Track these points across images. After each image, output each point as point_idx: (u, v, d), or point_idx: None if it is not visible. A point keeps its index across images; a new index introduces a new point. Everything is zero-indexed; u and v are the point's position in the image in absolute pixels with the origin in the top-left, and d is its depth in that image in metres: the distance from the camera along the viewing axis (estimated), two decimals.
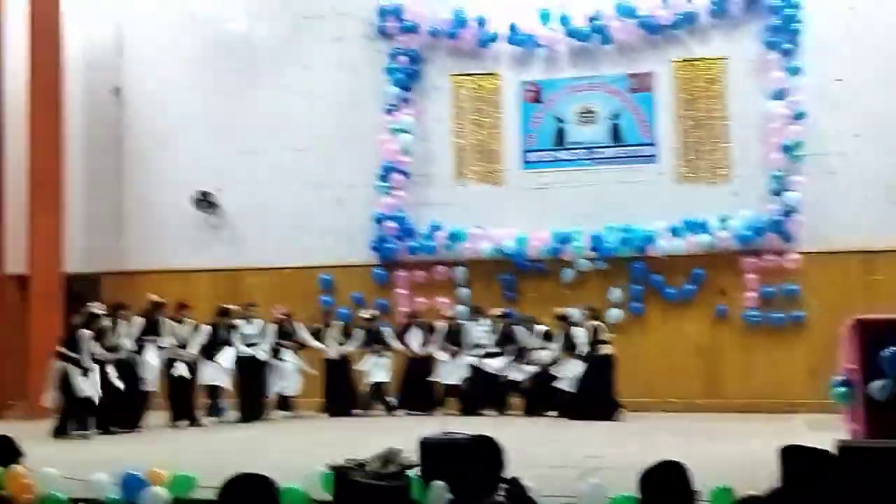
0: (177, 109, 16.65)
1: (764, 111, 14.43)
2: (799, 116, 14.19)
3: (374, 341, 14.57)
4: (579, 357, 13.27)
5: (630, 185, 14.92)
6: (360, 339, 14.59)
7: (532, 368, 13.73)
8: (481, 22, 15.47)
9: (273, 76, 16.36)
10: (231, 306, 14.25)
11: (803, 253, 14.20)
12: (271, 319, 14.41)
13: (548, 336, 13.77)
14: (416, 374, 14.44)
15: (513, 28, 15.32)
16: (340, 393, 14.46)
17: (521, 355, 13.90)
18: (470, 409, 13.98)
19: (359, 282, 15.77)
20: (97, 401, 12.38)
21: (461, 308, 15.01)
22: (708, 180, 14.73)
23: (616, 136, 15.12)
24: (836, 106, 14.22)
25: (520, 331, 13.95)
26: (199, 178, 16.28)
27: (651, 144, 14.97)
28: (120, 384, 12.67)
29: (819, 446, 6.53)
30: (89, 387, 12.37)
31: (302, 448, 10.37)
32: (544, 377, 13.57)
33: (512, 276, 15.18)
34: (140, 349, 13.22)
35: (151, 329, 13.38)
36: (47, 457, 8.63)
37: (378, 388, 14.51)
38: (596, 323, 13.35)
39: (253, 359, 14.02)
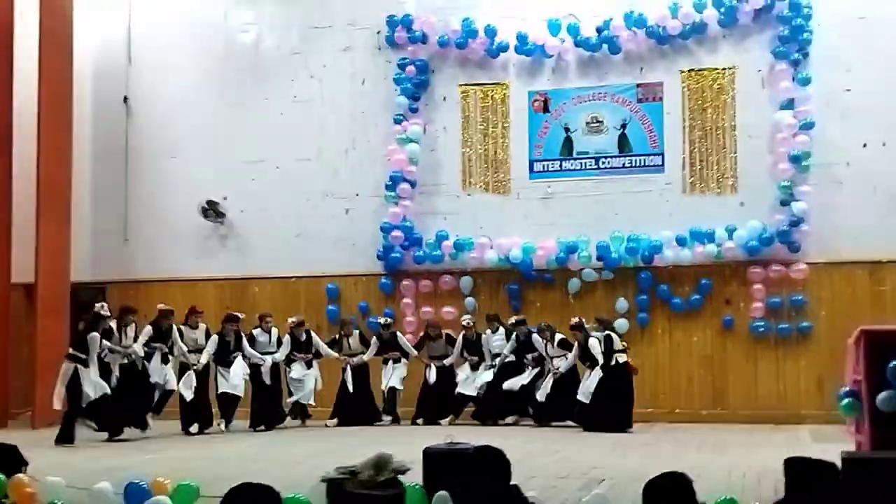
0: (184, 119, 16.70)
1: (772, 121, 14.40)
2: (807, 126, 14.16)
3: (391, 348, 14.58)
4: (595, 367, 13.16)
5: (637, 195, 14.90)
6: (376, 346, 14.62)
7: (550, 378, 13.67)
8: (490, 32, 15.49)
9: (281, 86, 16.39)
10: (238, 314, 14.29)
11: (810, 263, 14.16)
12: (286, 328, 14.49)
13: (564, 345, 13.69)
14: (435, 384, 14.44)
15: (521, 38, 15.33)
16: (356, 402, 14.48)
17: (538, 364, 13.89)
18: (489, 418, 14.02)
19: (365, 291, 15.78)
20: (101, 397, 12.50)
21: (467, 318, 15.00)
22: (715, 190, 14.71)
23: (624, 145, 15.11)
24: (844, 116, 14.19)
25: (537, 340, 13.91)
26: (206, 188, 16.32)
27: (659, 154, 14.95)
28: (105, 387, 12.70)
29: (824, 458, 6.51)
30: (97, 388, 12.48)
31: (307, 458, 10.34)
32: (561, 387, 13.49)
33: (518, 285, 15.17)
34: (149, 356, 13.33)
35: (160, 337, 13.46)
36: (51, 466, 8.64)
37: (392, 393, 14.52)
38: (607, 332, 13.24)
39: (268, 368, 14.16)
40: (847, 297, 13.89)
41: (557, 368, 13.56)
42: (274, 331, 14.46)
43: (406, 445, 8.34)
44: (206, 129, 16.60)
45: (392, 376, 14.48)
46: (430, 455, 7.18)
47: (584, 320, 13.51)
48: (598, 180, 15.12)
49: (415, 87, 15.73)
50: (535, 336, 13.94)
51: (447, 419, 14.15)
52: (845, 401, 8.37)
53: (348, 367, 14.53)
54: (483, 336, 14.44)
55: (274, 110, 16.38)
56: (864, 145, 14.09)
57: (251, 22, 16.74)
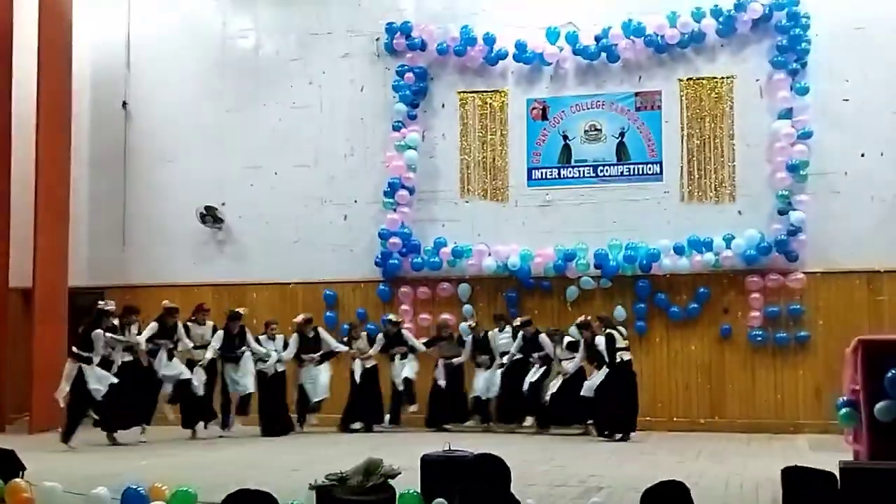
0: (183, 124, 16.71)
1: (770, 130, 14.43)
2: (805, 136, 14.18)
3: (397, 344, 14.63)
4: (602, 366, 13.13)
5: (635, 204, 14.92)
6: (382, 342, 14.67)
7: (558, 379, 13.66)
8: (489, 40, 15.51)
9: (280, 92, 16.41)
10: (240, 310, 14.39)
11: (808, 273, 14.16)
12: (294, 327, 14.60)
13: (573, 347, 13.64)
14: (446, 385, 14.46)
15: (520, 46, 15.35)
16: (365, 404, 14.53)
17: (545, 363, 13.88)
18: (510, 421, 14.09)
19: (363, 298, 15.79)
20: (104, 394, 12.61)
21: (464, 326, 15.03)
22: (713, 199, 14.71)
23: (622, 154, 15.12)
24: (841, 126, 14.21)
25: (544, 339, 13.90)
26: (204, 193, 16.33)
27: (657, 163, 14.97)
28: (112, 378, 12.73)
29: (822, 467, 6.52)
30: (103, 381, 12.54)
31: (305, 464, 10.32)
32: (568, 388, 13.43)
33: (516, 293, 15.17)
34: (153, 352, 13.41)
35: (164, 334, 13.50)
36: (48, 471, 8.62)
37: (409, 383, 14.53)
38: (609, 331, 13.12)
39: (275, 373, 14.26)
40: (845, 307, 13.90)
41: (567, 370, 13.50)
42: (279, 338, 14.53)
43: (405, 453, 8.34)
44: (204, 134, 16.61)
45: (405, 368, 14.52)
46: (428, 462, 7.17)
47: (590, 318, 13.50)
48: (597, 188, 15.13)
49: (413, 94, 15.75)
50: (542, 336, 13.95)
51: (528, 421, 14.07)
52: (843, 410, 8.36)
53: (357, 363, 14.56)
54: (490, 334, 14.44)
55: (272, 116, 16.40)
56: (862, 155, 14.11)
57: (250, 28, 16.76)
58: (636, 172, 15.05)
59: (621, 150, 15.11)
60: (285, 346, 14.51)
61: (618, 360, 12.88)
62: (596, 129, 15.22)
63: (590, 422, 13.38)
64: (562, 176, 15.32)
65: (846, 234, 14.04)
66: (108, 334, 12.88)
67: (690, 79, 14.92)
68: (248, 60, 16.70)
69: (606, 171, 15.14)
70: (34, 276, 14.92)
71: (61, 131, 15.65)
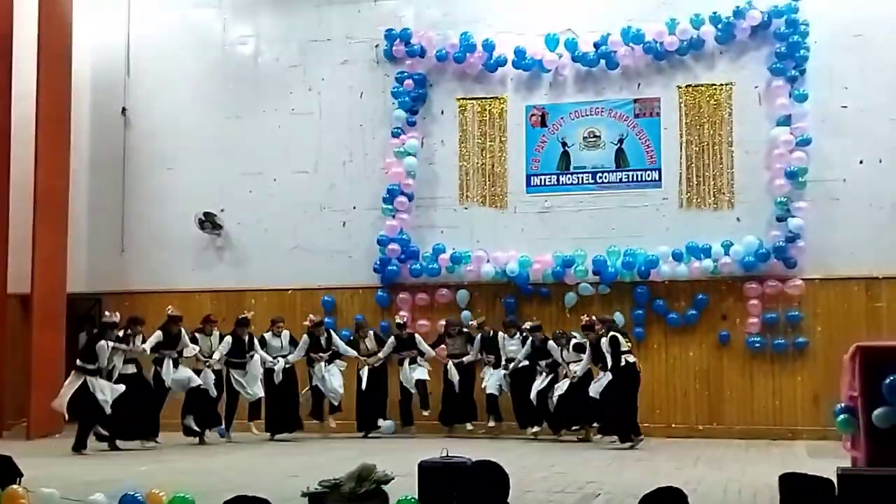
0: (182, 130, 16.73)
1: (769, 137, 14.45)
2: (803, 143, 14.20)
3: (408, 348, 14.64)
4: (606, 368, 13.02)
5: (634, 210, 14.93)
6: (392, 346, 14.69)
7: (565, 382, 13.60)
8: (488, 46, 15.53)
9: (279, 98, 16.43)
10: (248, 314, 14.54)
11: (806, 279, 14.17)
12: (304, 329, 14.66)
13: (579, 349, 13.54)
14: (454, 384, 14.46)
15: (519, 52, 15.37)
16: (372, 405, 14.59)
17: (552, 370, 13.84)
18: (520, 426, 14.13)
19: (362, 304, 15.78)
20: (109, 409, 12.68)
21: (466, 314, 15.10)
22: (712, 206, 14.72)
23: (621, 160, 15.13)
24: (840, 133, 14.23)
25: (552, 346, 13.86)
26: (203, 199, 16.33)
27: (656, 169, 14.97)
28: (120, 387, 12.78)
29: (819, 474, 6.51)
30: (113, 392, 12.62)
31: (303, 470, 10.30)
32: (576, 391, 13.36)
33: (514, 299, 15.18)
34: (159, 361, 13.47)
35: (169, 342, 13.51)
36: (46, 477, 8.62)
37: (423, 386, 14.56)
38: (613, 334, 12.97)
39: (280, 369, 14.32)
40: (843, 313, 13.91)
41: (574, 373, 13.41)
42: (285, 334, 14.62)
43: (404, 459, 8.34)
44: (203, 140, 16.63)
45: (417, 371, 14.54)
46: (426, 468, 7.16)
47: (595, 318, 13.47)
48: (595, 195, 15.13)
49: (413, 101, 15.76)
50: (550, 343, 13.88)
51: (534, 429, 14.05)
52: (841, 417, 8.36)
53: (365, 369, 14.62)
54: (500, 335, 14.43)
55: (272, 123, 16.41)
56: (861, 162, 14.13)
57: (250, 34, 16.79)
58: (635, 179, 15.06)
59: (620, 156, 15.13)
60: (291, 342, 14.57)
61: (622, 362, 12.75)
62: (595, 136, 15.23)
63: (595, 425, 13.31)
64: (560, 182, 15.33)
65: (845, 240, 14.05)
66: (111, 343, 12.90)
67: (689, 86, 14.94)
68: (248, 67, 16.72)
69: (605, 177, 15.16)
70: (33, 282, 14.91)
71: (61, 136, 15.66)
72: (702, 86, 14.91)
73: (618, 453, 12.15)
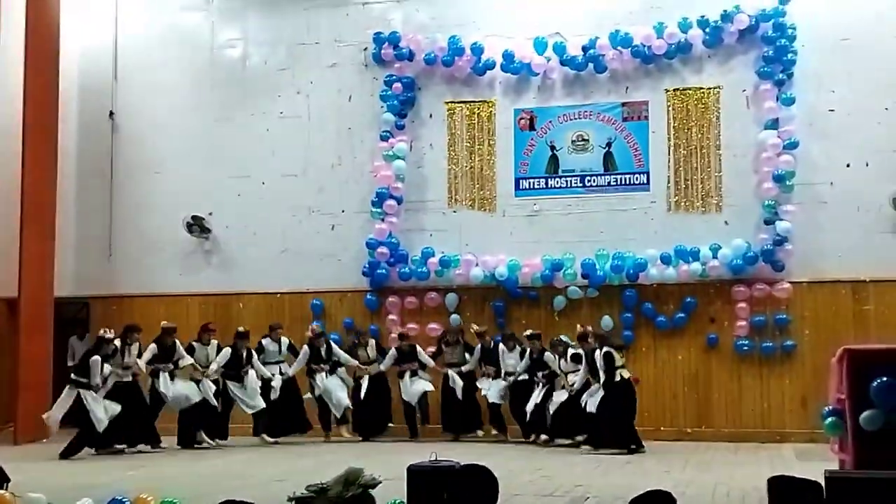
0: (170, 134, 16.69)
1: (756, 141, 14.48)
2: (791, 146, 14.23)
3: (409, 360, 14.61)
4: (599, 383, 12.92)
5: (623, 214, 14.94)
6: (393, 358, 14.67)
7: (562, 393, 13.48)
8: (476, 50, 15.53)
9: (267, 102, 16.40)
10: (241, 329, 14.48)
11: (794, 282, 14.20)
12: (305, 340, 14.66)
13: (577, 359, 13.37)
14: (456, 392, 14.40)
15: (507, 56, 15.38)
16: (373, 411, 14.58)
17: (549, 381, 13.74)
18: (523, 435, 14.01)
19: (350, 307, 15.76)
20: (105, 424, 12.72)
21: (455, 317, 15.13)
22: (700, 209, 14.75)
23: (609, 164, 15.15)
24: (827, 136, 14.28)
25: (549, 357, 13.77)
26: (191, 203, 16.29)
27: (644, 173, 15.00)
28: (116, 407, 12.80)
29: (807, 477, 6.53)
30: (108, 410, 12.57)
31: (291, 475, 10.28)
32: (574, 402, 13.21)
33: (503, 302, 15.17)
34: (155, 373, 13.50)
35: (164, 354, 13.50)
36: (33, 482, 8.59)
37: (423, 401, 14.56)
38: (606, 349, 12.86)
39: (278, 385, 14.31)
40: (831, 316, 13.95)
41: (572, 385, 13.26)
42: (284, 340, 14.63)
43: (393, 463, 8.32)
44: (191, 144, 16.59)
45: (419, 384, 14.49)
46: (415, 472, 7.15)
47: (589, 330, 13.39)
48: (584, 198, 15.15)
49: (401, 104, 15.76)
50: (547, 354, 13.78)
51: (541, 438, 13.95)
52: (829, 420, 8.38)
53: (365, 378, 14.62)
54: (500, 347, 14.32)
55: (260, 126, 16.38)
56: (848, 165, 14.17)
57: (238, 38, 16.76)
58: (623, 182, 15.08)
59: (608, 160, 15.14)
60: (289, 349, 14.59)
61: (617, 377, 12.69)
62: (583, 140, 15.25)
63: (581, 437, 13.13)
64: (549, 186, 15.34)
65: (832, 244, 14.10)
66: (107, 366, 12.98)
67: (677, 89, 14.97)
68: (236, 70, 16.69)
69: (593, 181, 15.17)
70: (20, 286, 14.86)
71: (48, 140, 15.60)
72: (690, 89, 14.94)
73: (606, 457, 12.12)
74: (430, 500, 6.74)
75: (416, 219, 15.72)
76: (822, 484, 6.33)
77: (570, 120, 15.31)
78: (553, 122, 15.37)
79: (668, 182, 14.86)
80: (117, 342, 13.24)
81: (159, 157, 16.71)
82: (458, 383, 14.40)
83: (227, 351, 14.12)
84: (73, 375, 13.01)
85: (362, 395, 14.58)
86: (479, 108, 15.70)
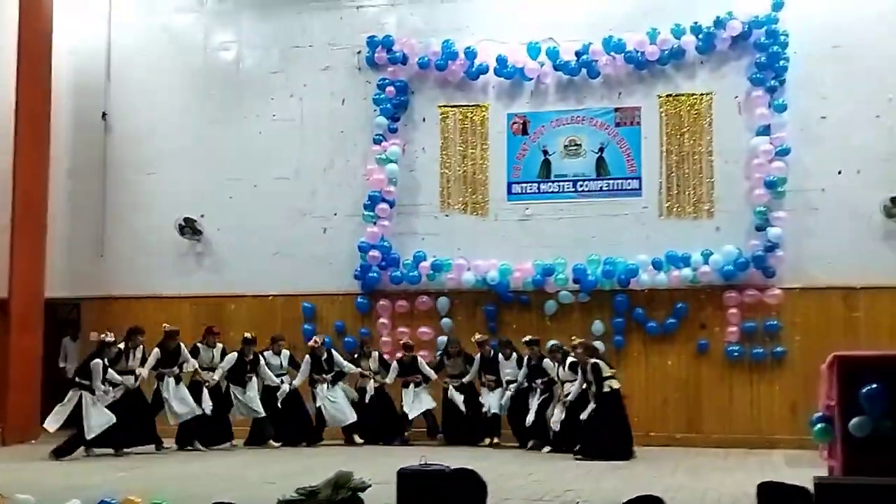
0: (163, 135, 16.67)
1: (748, 147, 14.51)
2: (783, 153, 14.27)
3: (411, 372, 14.58)
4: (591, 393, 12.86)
5: (614, 219, 14.95)
6: (396, 370, 14.64)
7: (561, 408, 13.31)
8: (470, 54, 15.55)
9: (260, 104, 16.40)
10: (249, 335, 14.44)
11: (785, 289, 14.23)
12: (307, 349, 14.66)
13: (574, 367, 13.26)
14: (458, 406, 14.35)
15: (501, 60, 15.40)
16: (378, 420, 14.52)
17: (547, 389, 13.66)
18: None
19: (342, 310, 15.75)
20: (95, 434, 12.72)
21: (442, 339, 15.07)
22: (692, 215, 14.77)
23: (601, 169, 15.16)
24: (819, 143, 14.32)
25: (548, 364, 13.69)
26: (183, 205, 16.27)
27: (636, 178, 15.02)
28: (112, 418, 12.84)
29: (797, 483, 6.55)
30: (100, 417, 12.53)
31: (280, 477, 10.28)
32: (575, 412, 13.03)
33: (495, 307, 15.17)
34: (161, 377, 13.58)
35: (167, 358, 13.57)
36: (22, 483, 8.57)
37: (429, 414, 14.52)
38: (594, 361, 12.84)
39: (283, 394, 14.34)
40: (821, 323, 13.96)
41: (567, 395, 13.18)
42: (285, 353, 14.62)
43: (383, 466, 8.32)
44: (184, 146, 16.57)
45: (422, 400, 14.46)
46: (405, 476, 7.15)
47: (579, 343, 13.28)
48: (576, 203, 15.15)
49: (394, 108, 15.76)
50: (546, 361, 13.70)
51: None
52: (818, 426, 8.41)
53: (370, 384, 14.58)
54: (499, 356, 14.26)
55: (253, 128, 16.37)
56: (839, 172, 14.20)
57: (231, 40, 16.75)
58: (615, 188, 15.10)
59: (601, 165, 15.17)
60: (291, 361, 14.57)
61: (606, 389, 12.68)
62: (576, 145, 15.27)
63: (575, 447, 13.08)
64: (541, 190, 15.35)
65: (823, 250, 14.12)
66: (111, 372, 13.02)
67: (670, 95, 15.00)
68: (230, 72, 16.68)
69: (586, 186, 15.19)
70: (10, 286, 14.84)
71: (40, 140, 15.58)
72: (682, 95, 14.97)
73: (597, 463, 12.10)
74: (420, 503, 6.73)
75: (408, 222, 15.72)
76: (812, 490, 6.35)
77: (563, 125, 15.33)
78: (546, 127, 15.38)
79: (660, 187, 14.88)
80: (121, 345, 13.27)
81: (152, 158, 16.68)
82: (458, 398, 14.34)
83: (233, 356, 14.13)
84: (76, 378, 12.99)
85: (367, 400, 14.53)
86: (472, 113, 15.71)
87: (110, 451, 13.02)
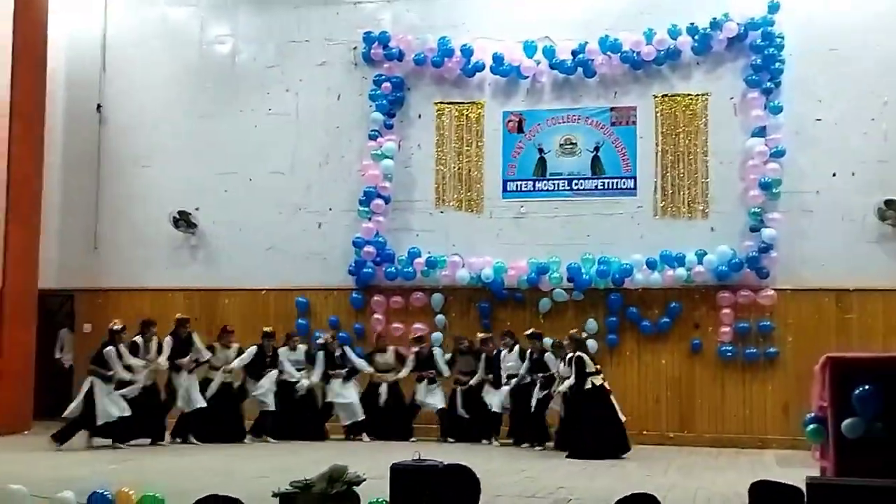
0: (158, 128, 16.66)
1: (743, 148, 14.54)
2: (778, 154, 14.30)
3: (427, 367, 14.56)
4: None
5: (609, 218, 14.98)
6: (413, 363, 14.62)
7: (558, 402, 13.24)
8: (466, 52, 15.55)
9: (256, 99, 16.39)
10: (268, 329, 14.47)
11: (778, 290, 14.27)
12: (320, 344, 14.70)
13: (571, 362, 13.12)
14: (465, 401, 14.34)
15: (497, 58, 15.40)
16: (390, 417, 14.47)
17: (548, 384, 13.53)
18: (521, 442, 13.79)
19: (336, 306, 15.75)
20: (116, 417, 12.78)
21: (436, 335, 15.08)
22: (686, 215, 14.80)
23: (596, 168, 15.18)
24: (814, 145, 14.36)
25: (550, 359, 13.63)
26: (178, 198, 16.27)
27: (631, 178, 15.04)
28: (127, 410, 12.87)
29: (789, 483, 6.56)
30: (113, 406, 12.61)
31: (275, 471, 10.27)
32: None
33: (489, 304, 15.18)
34: (176, 367, 13.59)
35: (181, 347, 13.64)
36: (14, 474, 8.55)
37: (442, 414, 14.48)
38: (578, 354, 12.78)
39: (303, 388, 14.34)
40: (814, 324, 14.01)
41: (557, 390, 13.05)
42: (300, 348, 14.62)
43: (376, 461, 8.32)
44: (179, 139, 16.57)
45: (435, 398, 14.43)
46: (398, 471, 7.17)
47: (575, 334, 13.31)
48: (571, 202, 15.18)
49: (390, 104, 15.76)
50: (547, 355, 13.63)
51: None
52: (811, 427, 8.43)
53: (382, 389, 14.52)
54: (502, 352, 14.15)
55: (248, 123, 16.37)
56: (834, 174, 14.25)
57: (228, 34, 16.74)
58: (610, 187, 15.12)
59: (596, 164, 15.18)
60: (307, 357, 14.53)
61: (588, 385, 12.61)
62: (571, 143, 15.29)
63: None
64: (536, 189, 15.36)
65: (817, 252, 14.17)
66: (135, 360, 13.11)
67: (665, 95, 15.03)
68: (225, 66, 16.67)
69: (581, 184, 15.20)
70: (3, 278, 14.80)
71: (34, 132, 15.54)
72: (678, 96, 15.00)
73: (588, 460, 12.11)
74: (412, 498, 6.74)
75: (403, 218, 15.73)
76: (804, 490, 6.37)
77: (559, 123, 15.35)
78: (541, 125, 15.40)
79: (655, 187, 14.91)
80: (138, 338, 13.27)
81: (147, 150, 16.67)
82: (462, 410, 14.28)
83: (252, 349, 14.12)
84: (91, 365, 12.99)
85: (381, 401, 14.48)
86: (467, 110, 15.71)
87: (109, 441, 13.00)
